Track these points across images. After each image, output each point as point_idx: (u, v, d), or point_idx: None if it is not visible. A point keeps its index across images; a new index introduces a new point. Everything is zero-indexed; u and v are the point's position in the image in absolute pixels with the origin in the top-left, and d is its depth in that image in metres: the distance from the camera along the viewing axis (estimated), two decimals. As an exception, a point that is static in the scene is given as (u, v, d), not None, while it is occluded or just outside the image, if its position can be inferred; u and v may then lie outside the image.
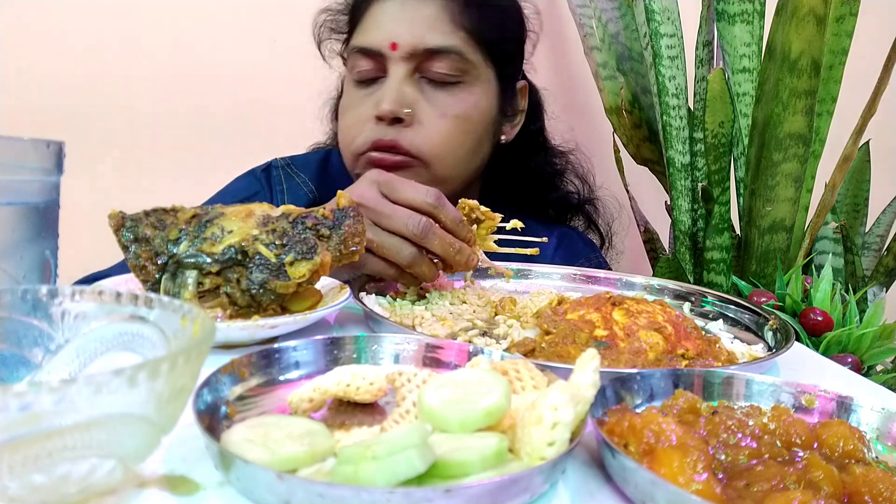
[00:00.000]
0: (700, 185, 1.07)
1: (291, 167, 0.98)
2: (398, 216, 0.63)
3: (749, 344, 0.63)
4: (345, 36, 0.96)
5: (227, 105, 1.27)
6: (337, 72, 1.05)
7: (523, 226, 0.70)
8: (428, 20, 0.85)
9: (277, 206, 0.92)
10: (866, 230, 1.25)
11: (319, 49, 1.01)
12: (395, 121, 0.84)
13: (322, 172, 0.99)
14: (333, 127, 1.08)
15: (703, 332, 0.61)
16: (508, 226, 0.70)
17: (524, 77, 0.99)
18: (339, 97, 1.03)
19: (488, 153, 0.94)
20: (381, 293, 0.70)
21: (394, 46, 0.84)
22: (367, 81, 0.87)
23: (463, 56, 0.87)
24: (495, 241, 0.71)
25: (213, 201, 0.94)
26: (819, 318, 0.83)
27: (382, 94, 0.84)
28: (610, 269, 1.02)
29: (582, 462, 0.38)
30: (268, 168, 0.98)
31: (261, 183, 0.96)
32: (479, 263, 0.69)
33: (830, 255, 1.11)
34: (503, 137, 0.96)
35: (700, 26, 1.14)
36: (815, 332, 0.83)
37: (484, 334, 0.60)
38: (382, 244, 0.63)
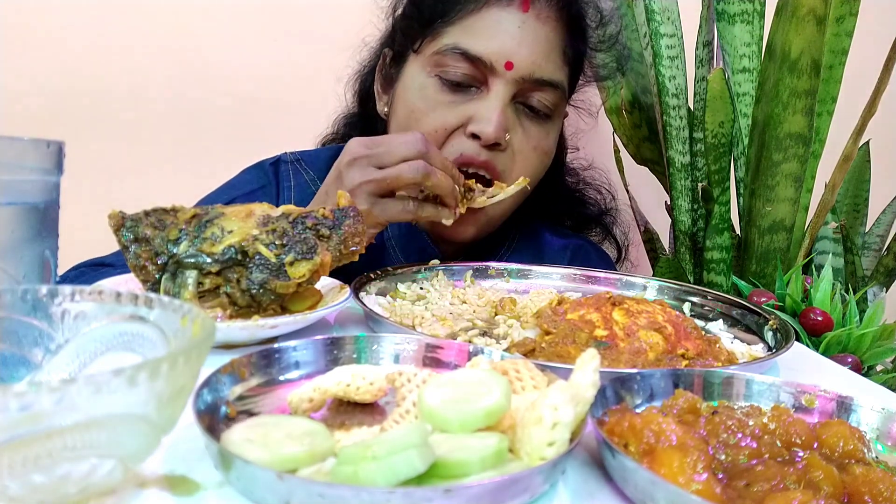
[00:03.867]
0: (700, 185, 1.07)
1: (301, 163, 0.95)
2: (395, 142, 0.69)
3: (749, 344, 0.63)
4: (418, 17, 0.88)
5: (228, 104, 1.27)
6: (369, 42, 1.00)
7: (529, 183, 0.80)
8: (544, 48, 0.82)
9: (284, 200, 0.92)
10: (866, 230, 1.25)
11: (395, 9, 0.95)
12: (494, 145, 0.81)
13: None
14: (356, 106, 1.03)
15: (703, 332, 0.61)
16: (516, 184, 0.80)
17: None
18: (371, 71, 0.98)
19: None
20: (381, 293, 0.70)
21: (509, 65, 0.79)
22: (458, 85, 0.82)
23: (563, 92, 0.86)
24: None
25: (220, 192, 0.92)
26: (819, 318, 0.83)
27: (486, 112, 0.80)
28: None
29: (582, 462, 0.38)
30: (277, 162, 0.96)
31: (268, 177, 0.94)
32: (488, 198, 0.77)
33: (830, 255, 1.11)
34: None
35: (700, 26, 1.14)
36: (815, 332, 0.83)
37: (484, 334, 0.60)
38: (394, 175, 0.67)
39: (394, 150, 0.69)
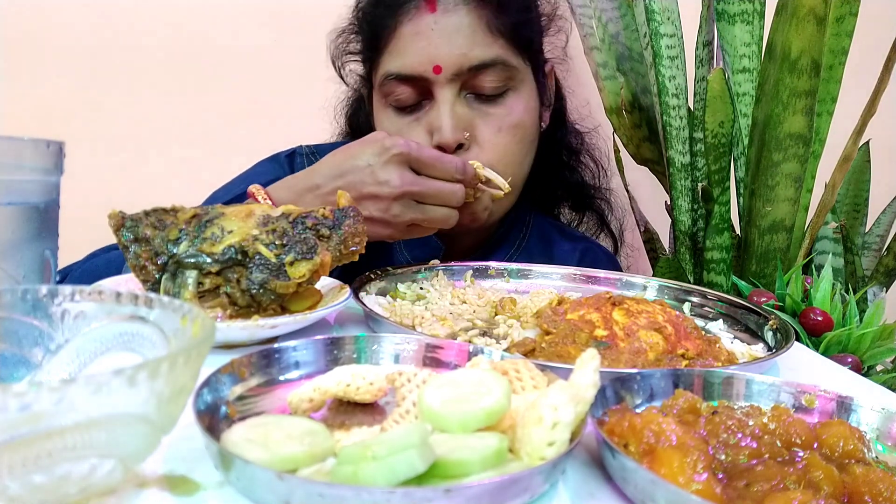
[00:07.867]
0: (700, 185, 1.07)
1: (316, 155, 0.94)
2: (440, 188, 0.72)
3: (749, 344, 0.63)
4: (361, 55, 0.93)
5: (228, 105, 1.27)
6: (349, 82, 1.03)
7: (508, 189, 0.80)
8: (466, 34, 0.81)
9: None
10: (866, 230, 1.24)
11: (340, 73, 0.99)
12: (457, 147, 0.81)
13: None
14: (348, 129, 1.06)
15: (703, 332, 0.61)
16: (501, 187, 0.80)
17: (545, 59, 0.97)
18: (354, 104, 1.01)
19: (536, 146, 0.92)
20: (381, 293, 0.70)
21: (437, 69, 0.80)
22: (409, 106, 0.84)
23: (507, 64, 0.84)
24: None
25: (235, 184, 0.92)
26: (819, 318, 0.82)
27: (437, 121, 0.80)
28: None
29: (582, 462, 0.38)
30: (292, 154, 0.96)
31: (283, 169, 0.93)
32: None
33: (830, 255, 1.11)
34: (543, 125, 0.96)
35: (700, 26, 1.14)
36: (815, 332, 0.83)
37: (484, 334, 0.60)
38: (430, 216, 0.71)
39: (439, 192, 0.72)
